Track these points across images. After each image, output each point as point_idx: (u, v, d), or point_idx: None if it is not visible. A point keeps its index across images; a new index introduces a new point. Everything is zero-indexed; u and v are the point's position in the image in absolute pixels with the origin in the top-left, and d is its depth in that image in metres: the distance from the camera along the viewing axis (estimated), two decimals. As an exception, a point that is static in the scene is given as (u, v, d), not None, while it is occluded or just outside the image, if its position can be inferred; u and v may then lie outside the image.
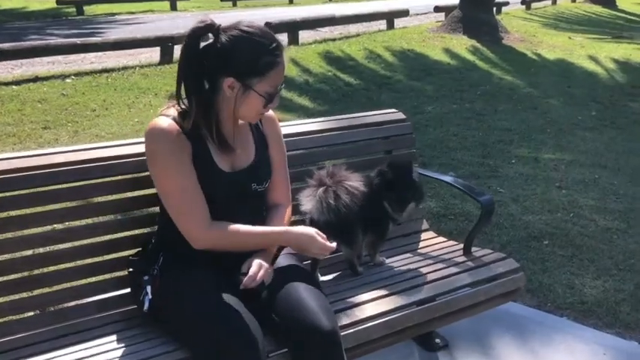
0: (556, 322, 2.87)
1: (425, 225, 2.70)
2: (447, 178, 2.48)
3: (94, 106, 6.35)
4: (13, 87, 6.90)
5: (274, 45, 1.77)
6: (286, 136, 2.34)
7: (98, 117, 5.94)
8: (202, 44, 1.78)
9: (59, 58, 8.65)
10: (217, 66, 1.75)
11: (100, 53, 8.89)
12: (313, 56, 8.68)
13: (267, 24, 9.14)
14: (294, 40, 9.61)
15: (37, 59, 8.42)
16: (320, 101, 6.89)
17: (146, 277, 1.88)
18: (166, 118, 1.83)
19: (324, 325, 1.72)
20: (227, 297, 1.75)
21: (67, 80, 7.26)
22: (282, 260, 1.97)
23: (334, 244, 1.89)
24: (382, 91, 7.44)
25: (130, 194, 2.08)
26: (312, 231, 1.90)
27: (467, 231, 3.97)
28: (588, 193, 4.47)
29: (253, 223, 1.88)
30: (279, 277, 1.86)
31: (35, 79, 7.24)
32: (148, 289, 1.85)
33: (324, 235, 1.91)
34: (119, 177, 2.04)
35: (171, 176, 1.80)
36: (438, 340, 2.53)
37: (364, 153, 2.65)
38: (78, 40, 8.38)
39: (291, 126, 2.48)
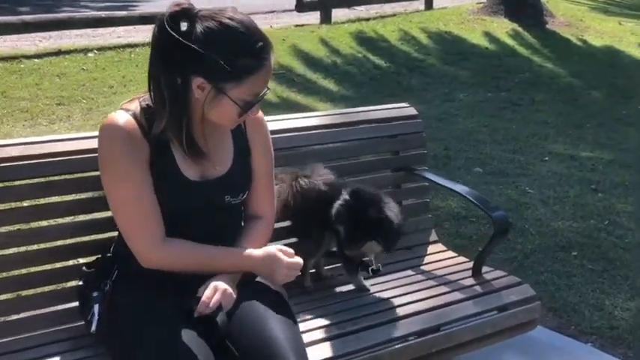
0: (579, 349, 2.55)
1: (433, 236, 2.40)
2: (458, 188, 2.18)
3: (113, 82, 6.17)
4: (35, 60, 6.76)
5: (259, 45, 1.50)
6: (279, 131, 2.07)
7: (115, 94, 5.76)
8: (175, 31, 1.50)
9: (88, 31, 8.49)
10: (187, 61, 1.47)
11: (129, 27, 8.70)
12: (344, 36, 8.33)
13: (300, 1, 8.85)
14: (326, 19, 9.25)
15: (66, 32, 8.28)
16: (346, 84, 6.58)
17: (96, 294, 1.64)
18: (124, 114, 1.58)
19: None
20: (183, 330, 1.51)
21: (89, 55, 7.09)
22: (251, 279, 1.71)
23: (301, 261, 1.61)
24: (413, 76, 7.07)
25: (91, 194, 1.84)
26: (273, 250, 1.63)
27: (487, 237, 3.67)
28: (627, 199, 4.07)
29: (227, 240, 1.61)
30: (244, 300, 1.60)
31: (58, 53, 7.09)
32: (96, 308, 1.62)
33: (291, 251, 1.63)
34: (78, 175, 1.81)
35: (122, 185, 1.55)
36: (440, 366, 2.25)
37: (368, 153, 2.36)
38: (103, 14, 8.20)
39: (284, 121, 2.20)
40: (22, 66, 6.47)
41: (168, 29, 1.48)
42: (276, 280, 1.63)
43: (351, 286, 2.02)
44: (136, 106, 1.60)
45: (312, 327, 1.77)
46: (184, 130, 1.57)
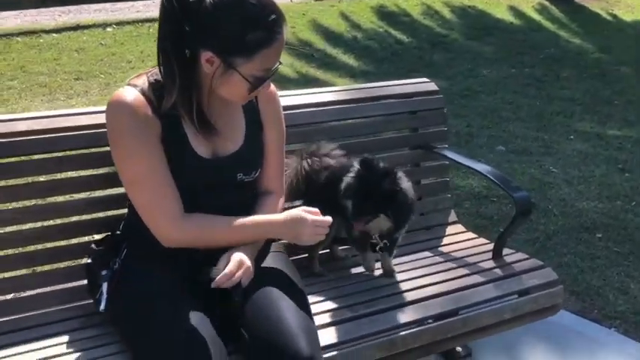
0: (602, 333, 2.47)
1: (452, 216, 2.33)
2: (479, 167, 2.09)
3: (131, 57, 6.13)
4: (54, 35, 6.74)
5: (271, 18, 1.43)
6: (292, 107, 2.01)
7: (133, 69, 5.72)
8: (183, 3, 1.43)
9: (107, 6, 8.44)
10: (195, 34, 1.41)
11: (148, 2, 8.63)
12: (365, 10, 8.17)
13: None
14: (347, -8, 9.07)
15: (84, 7, 8.24)
16: (366, 60, 6.46)
17: (104, 272, 1.61)
18: (132, 90, 1.52)
19: (303, 352, 1.41)
20: (192, 312, 1.46)
21: (108, 29, 7.05)
22: (263, 260, 1.66)
23: (329, 218, 1.53)
24: (435, 51, 6.91)
25: (108, 169, 1.80)
26: (297, 211, 1.55)
27: (509, 217, 3.57)
28: (656, 179, 3.94)
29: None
30: (256, 284, 1.55)
31: (76, 28, 7.07)
32: (104, 287, 1.58)
33: (316, 209, 1.56)
34: (90, 150, 1.76)
35: (134, 161, 1.50)
36: (459, 349, 2.19)
37: (386, 130, 2.29)
38: (121, -13, 8.13)
39: (300, 96, 2.13)
40: (40, 41, 6.46)
41: (176, 1, 1.41)
42: (304, 241, 1.55)
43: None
44: (143, 82, 1.54)
45: (324, 309, 1.71)
46: (194, 105, 1.51)
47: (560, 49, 7.30)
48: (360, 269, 1.97)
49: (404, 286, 1.87)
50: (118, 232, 1.70)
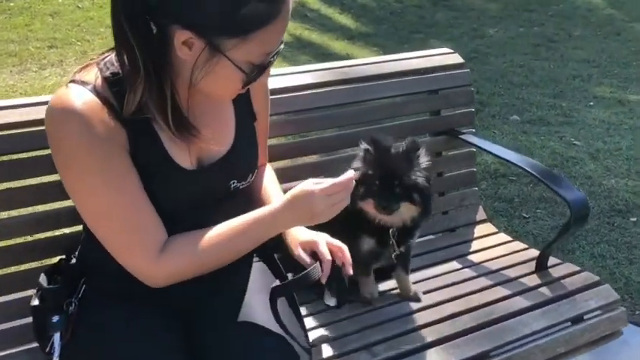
0: (648, 341, 2.15)
1: (481, 214, 1.96)
2: (524, 163, 1.72)
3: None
4: (26, -3, 6.23)
5: None
6: (289, 89, 1.64)
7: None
8: None
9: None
10: (166, 4, 1.01)
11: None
12: (361, -34, 7.64)
13: None
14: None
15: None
16: (364, 20, 6.00)
17: (55, 319, 1.23)
18: (81, 90, 1.11)
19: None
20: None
21: (85, -10, 6.53)
22: (247, 282, 1.31)
23: (349, 173, 1.17)
24: (437, 9, 6.45)
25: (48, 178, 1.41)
26: (297, 188, 1.18)
27: (532, 199, 3.24)
28: (688, 151, 3.58)
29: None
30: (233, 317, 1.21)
31: (51, -11, 6.54)
32: (56, 339, 1.22)
33: (322, 179, 1.18)
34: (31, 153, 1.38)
35: (95, 190, 1.11)
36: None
37: (400, 115, 1.90)
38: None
39: (296, 75, 1.74)
40: (11, 4, 5.95)
41: None
42: (320, 219, 1.18)
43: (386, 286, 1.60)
44: (95, 76, 1.13)
45: (339, 350, 1.36)
46: (169, 102, 1.12)
47: (569, 5, 6.85)
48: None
49: (426, 316, 1.50)
50: (73, 261, 1.32)
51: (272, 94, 1.39)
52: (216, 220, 1.22)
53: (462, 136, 1.88)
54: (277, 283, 1.32)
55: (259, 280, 1.33)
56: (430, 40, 5.37)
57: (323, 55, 4.96)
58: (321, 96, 1.73)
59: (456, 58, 1.94)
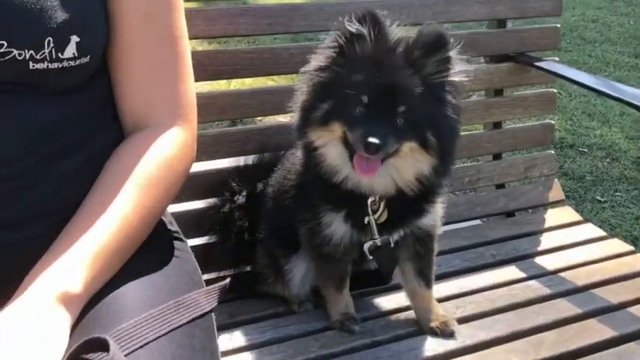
0: None
1: (557, 192, 1.26)
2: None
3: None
4: None
5: None
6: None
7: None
8: None
9: None
10: None
11: None
12: None
13: None
14: None
15: None
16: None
17: None
18: None
19: None
20: None
21: None
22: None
23: None
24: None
25: None
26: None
27: (609, 178, 2.49)
28: None
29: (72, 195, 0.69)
30: None
31: None
32: None
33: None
34: None
35: None
36: None
37: (444, 21, 1.19)
38: None
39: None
40: None
41: None
42: None
43: (386, 303, 0.93)
44: None
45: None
46: None
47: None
48: (371, 309, 0.94)
49: None
50: None
51: None
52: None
53: (540, 64, 1.16)
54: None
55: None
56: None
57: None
58: None
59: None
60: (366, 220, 0.79)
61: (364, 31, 0.74)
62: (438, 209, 0.85)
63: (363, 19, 0.73)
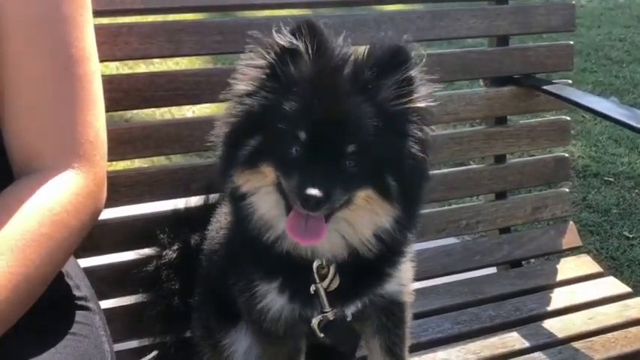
0: None
1: (572, 236, 1.08)
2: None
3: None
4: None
5: None
6: None
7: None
8: None
9: None
10: None
11: None
12: None
13: None
14: None
15: None
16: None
17: None
18: None
19: None
20: None
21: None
22: None
23: None
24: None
25: None
26: None
27: (637, 212, 2.27)
28: None
29: None
30: None
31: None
32: None
33: None
34: None
35: None
36: None
37: (439, 38, 1.03)
38: None
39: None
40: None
41: None
42: None
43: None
44: None
45: None
46: None
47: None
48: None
49: None
50: None
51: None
52: None
53: (550, 88, 0.98)
54: None
55: None
56: None
57: None
58: None
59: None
60: (312, 289, 0.62)
61: (300, 45, 0.57)
62: (405, 271, 0.67)
63: (298, 30, 0.56)
